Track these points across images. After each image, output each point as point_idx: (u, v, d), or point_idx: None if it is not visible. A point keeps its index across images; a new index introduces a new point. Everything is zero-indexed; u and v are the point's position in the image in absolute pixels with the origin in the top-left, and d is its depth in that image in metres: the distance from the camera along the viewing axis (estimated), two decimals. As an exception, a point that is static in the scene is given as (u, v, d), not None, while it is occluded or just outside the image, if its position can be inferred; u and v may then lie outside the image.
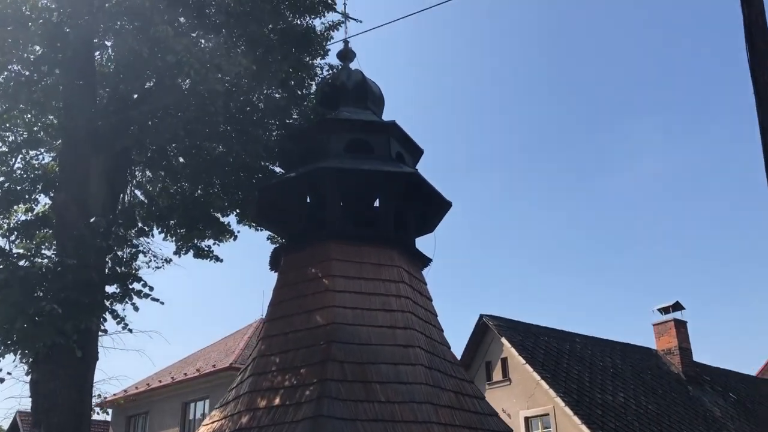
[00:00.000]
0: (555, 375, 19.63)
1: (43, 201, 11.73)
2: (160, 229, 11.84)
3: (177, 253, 12.61)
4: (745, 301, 52.49)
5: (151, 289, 10.00)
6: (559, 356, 21.14)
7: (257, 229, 13.29)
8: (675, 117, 52.61)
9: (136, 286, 10.05)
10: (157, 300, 9.94)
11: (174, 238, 12.20)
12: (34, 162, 11.87)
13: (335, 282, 10.81)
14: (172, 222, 11.62)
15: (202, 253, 12.66)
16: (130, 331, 10.04)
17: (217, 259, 12.76)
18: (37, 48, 10.15)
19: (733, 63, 51.29)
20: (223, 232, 12.29)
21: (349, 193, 11.81)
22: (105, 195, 10.71)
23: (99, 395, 11.49)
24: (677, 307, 25.71)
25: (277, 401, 9.86)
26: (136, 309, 9.86)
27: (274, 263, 12.43)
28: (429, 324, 11.36)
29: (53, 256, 9.16)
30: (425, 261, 12.10)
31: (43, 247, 9.75)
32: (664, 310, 25.89)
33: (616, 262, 53.80)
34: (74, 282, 9.16)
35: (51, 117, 11.34)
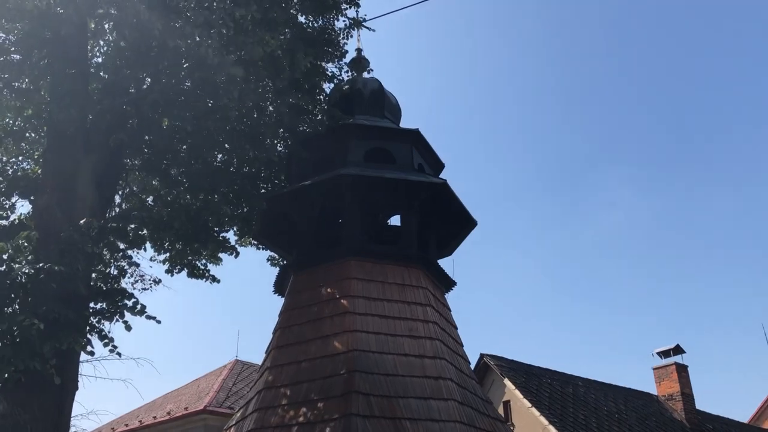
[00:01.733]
0: (563, 420, 18.29)
1: (19, 210, 10.32)
2: (152, 243, 10.43)
3: (169, 272, 11.19)
4: (728, 346, 51.70)
5: (144, 307, 8.57)
6: (564, 400, 19.83)
7: (258, 248, 11.95)
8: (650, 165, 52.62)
9: (127, 303, 8.62)
10: (153, 318, 8.50)
11: (168, 255, 10.79)
12: (13, 166, 10.51)
13: (355, 303, 9.51)
14: (166, 236, 10.21)
15: (198, 273, 11.24)
16: (119, 355, 8.54)
17: (214, 279, 11.34)
18: (23, 25, 8.89)
19: (703, 113, 51.54)
20: (224, 248, 10.90)
21: (369, 206, 10.58)
22: (93, 200, 9.32)
23: (75, 433, 9.91)
24: (678, 350, 24.68)
25: (290, 440, 8.44)
26: (128, 328, 8.38)
27: (280, 285, 11.09)
28: (457, 354, 10.08)
29: (33, 263, 7.70)
30: (449, 284, 10.87)
31: (20, 255, 8.25)
32: (664, 354, 24.82)
33: (609, 306, 52.85)
34: (59, 293, 7.73)
35: (36, 114, 10.03)
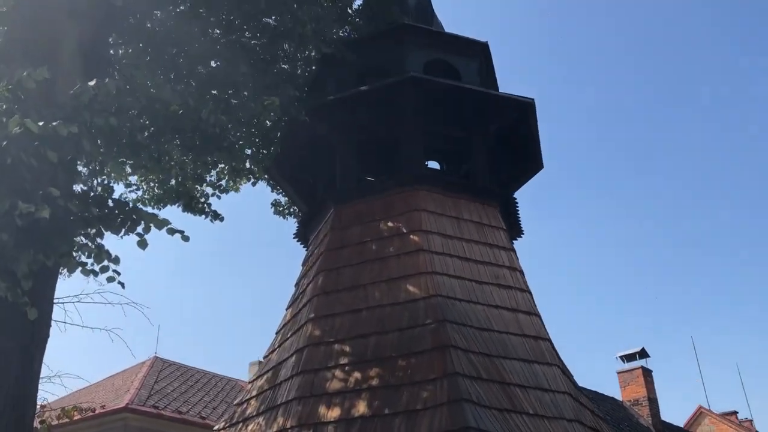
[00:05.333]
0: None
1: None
2: (150, 155, 7.82)
3: (160, 201, 8.63)
4: (664, 355, 52.01)
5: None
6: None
7: (273, 189, 9.56)
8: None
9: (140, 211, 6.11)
10: (180, 232, 6.02)
11: (164, 177, 8.21)
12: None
13: (430, 240, 7.33)
14: (173, 142, 7.61)
15: (196, 206, 8.69)
16: (122, 285, 5.98)
17: (216, 215, 8.79)
18: None
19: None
20: (241, 172, 8.43)
21: (432, 125, 8.42)
22: (82, 76, 6.73)
23: (36, 401, 7.15)
24: (643, 354, 23.77)
25: (362, 409, 6.12)
26: (143, 243, 5.86)
27: (305, 228, 8.76)
28: (538, 315, 8.06)
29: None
30: (517, 231, 8.82)
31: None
32: (628, 358, 23.86)
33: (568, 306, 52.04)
34: (54, 175, 5.19)
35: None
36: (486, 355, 6.49)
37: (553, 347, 7.30)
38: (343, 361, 6.62)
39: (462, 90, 7.96)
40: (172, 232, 6.08)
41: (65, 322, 6.87)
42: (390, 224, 7.55)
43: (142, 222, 5.91)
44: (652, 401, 22.96)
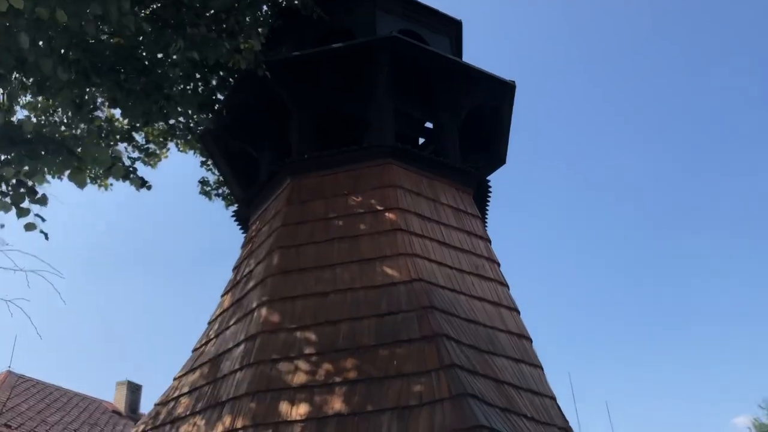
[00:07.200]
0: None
1: None
2: (75, 95, 6.42)
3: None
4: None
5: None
6: None
7: (203, 164, 8.33)
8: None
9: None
10: (133, 171, 4.82)
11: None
12: None
13: (408, 220, 6.42)
14: (96, 90, 6.28)
15: (120, 170, 7.31)
16: (46, 235, 4.64)
17: (143, 182, 7.42)
18: None
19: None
20: (176, 131, 7.17)
21: (402, 101, 7.58)
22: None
23: None
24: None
25: (336, 405, 5.05)
26: (82, 183, 4.58)
27: (249, 206, 7.62)
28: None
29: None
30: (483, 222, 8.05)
31: None
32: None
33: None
34: None
35: None
36: (476, 349, 5.63)
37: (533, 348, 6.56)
38: (309, 350, 5.53)
39: (445, 61, 7.19)
40: (126, 174, 4.87)
41: (-50, 288, 5.41)
42: (360, 199, 6.58)
43: (79, 156, 4.64)
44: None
